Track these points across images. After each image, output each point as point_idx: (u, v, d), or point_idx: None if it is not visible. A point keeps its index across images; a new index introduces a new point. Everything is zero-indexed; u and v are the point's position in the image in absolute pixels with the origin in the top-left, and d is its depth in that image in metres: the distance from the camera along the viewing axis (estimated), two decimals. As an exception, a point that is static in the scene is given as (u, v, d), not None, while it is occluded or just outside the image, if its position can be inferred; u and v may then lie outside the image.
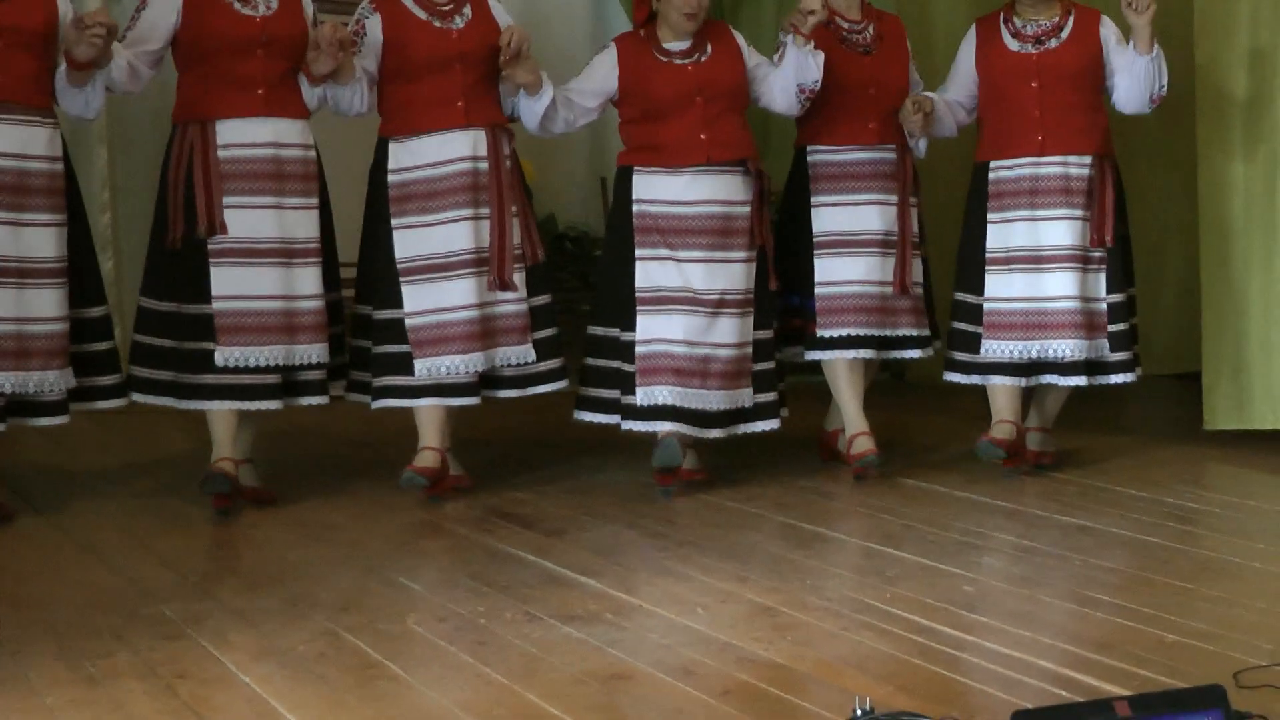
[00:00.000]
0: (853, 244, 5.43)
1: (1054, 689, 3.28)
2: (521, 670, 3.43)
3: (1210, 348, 5.83)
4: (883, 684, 3.32)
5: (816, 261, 5.45)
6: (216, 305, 4.85)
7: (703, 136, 5.19)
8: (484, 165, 5.05)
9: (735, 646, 3.58)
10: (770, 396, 5.32)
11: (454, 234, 5.04)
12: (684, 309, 5.16)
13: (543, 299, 5.19)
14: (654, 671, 3.42)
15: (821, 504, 5.18)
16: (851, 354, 5.46)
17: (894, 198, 5.44)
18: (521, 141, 5.28)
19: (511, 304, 5.11)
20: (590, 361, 5.33)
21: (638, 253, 5.20)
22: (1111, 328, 5.44)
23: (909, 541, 4.58)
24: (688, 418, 5.18)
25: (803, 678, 3.38)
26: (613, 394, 5.26)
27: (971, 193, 5.59)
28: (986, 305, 5.49)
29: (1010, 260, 5.45)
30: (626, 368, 5.22)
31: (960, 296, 5.62)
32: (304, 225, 4.94)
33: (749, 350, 5.24)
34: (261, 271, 4.87)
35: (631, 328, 5.21)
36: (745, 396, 5.25)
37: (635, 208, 5.21)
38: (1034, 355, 5.45)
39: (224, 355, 4.85)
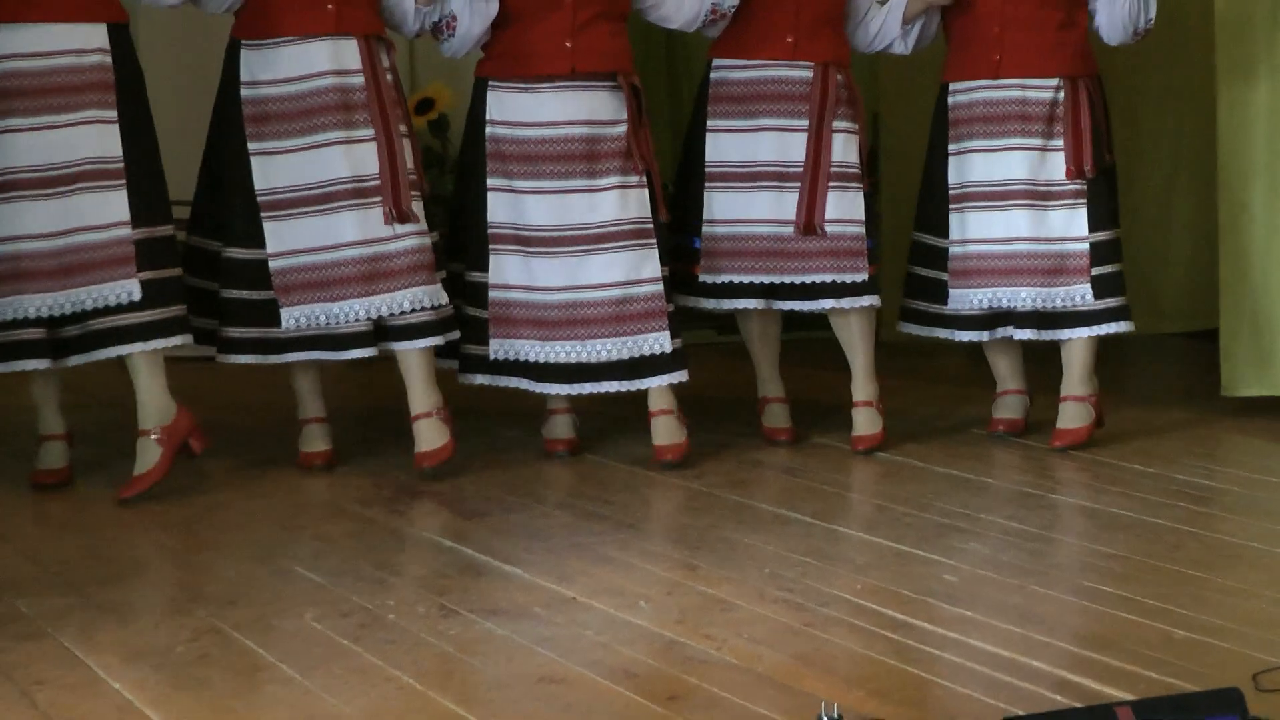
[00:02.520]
0: (742, 176, 5.41)
1: (1048, 693, 3.30)
2: (436, 673, 3.43)
3: (1229, 302, 5.85)
4: (852, 688, 3.34)
5: (706, 195, 5.43)
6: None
7: (568, 44, 5.16)
8: (355, 80, 5.00)
9: (683, 645, 3.59)
10: (678, 343, 5.29)
11: (325, 160, 4.98)
12: (543, 251, 5.16)
13: (433, 236, 5.17)
14: (589, 674, 3.42)
15: (782, 481, 5.19)
16: (728, 304, 5.46)
17: (800, 123, 5.39)
18: (437, 63, 5.25)
19: (411, 238, 5.06)
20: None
21: (489, 182, 5.20)
22: (1095, 270, 5.46)
23: (882, 524, 4.59)
24: (552, 373, 5.20)
25: (760, 680, 3.40)
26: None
27: (934, 119, 5.61)
28: (951, 249, 5.52)
29: (965, 197, 5.48)
30: (471, 311, 5.23)
31: (919, 237, 5.64)
32: (91, 142, 4.77)
33: (651, 289, 5.22)
34: (23, 207, 4.72)
35: (478, 266, 5.22)
36: (652, 342, 5.23)
37: (489, 129, 5.21)
38: (988, 304, 5.49)
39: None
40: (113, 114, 4.81)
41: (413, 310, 5.06)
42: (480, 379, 5.27)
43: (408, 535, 4.48)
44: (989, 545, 4.40)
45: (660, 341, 5.22)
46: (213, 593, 3.95)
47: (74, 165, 4.75)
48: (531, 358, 5.21)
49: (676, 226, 5.52)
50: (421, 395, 5.08)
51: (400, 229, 5.03)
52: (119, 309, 4.81)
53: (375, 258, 5.02)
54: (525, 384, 5.25)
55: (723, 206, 5.42)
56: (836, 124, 5.37)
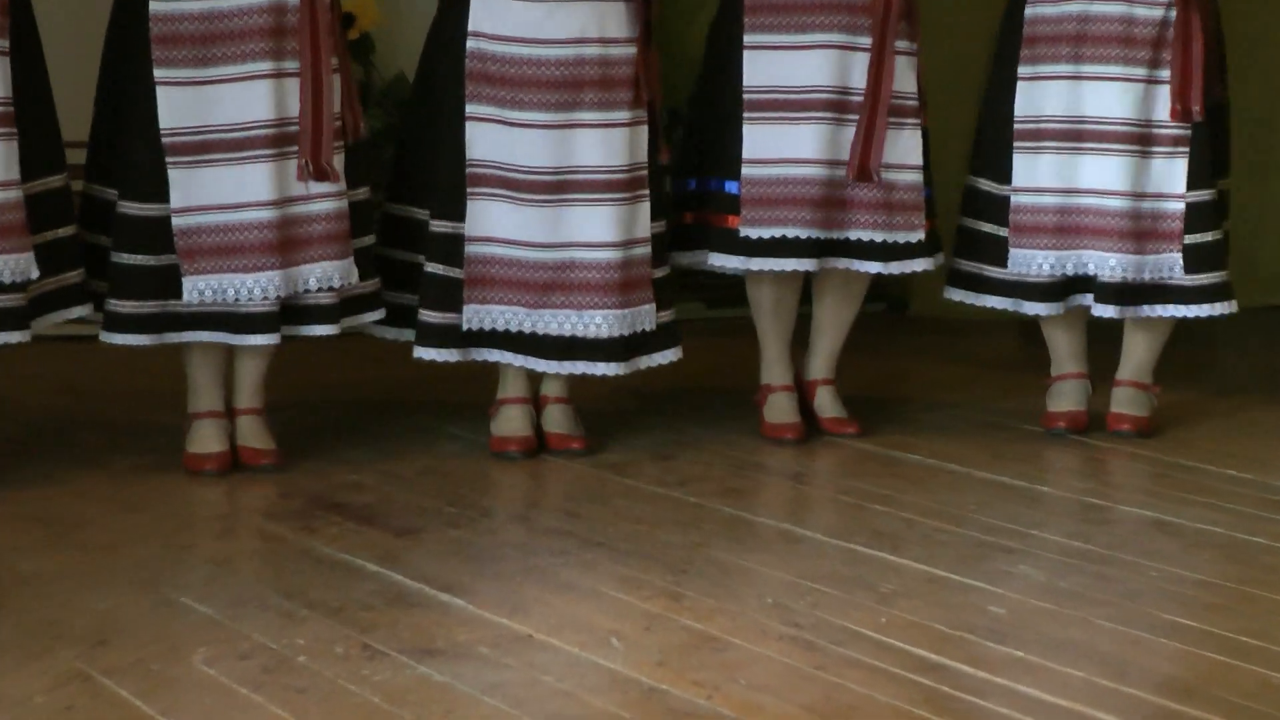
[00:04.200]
0: (792, 105, 5.40)
1: (1117, 752, 3.32)
2: (358, 729, 3.43)
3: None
4: (875, 746, 3.35)
5: (745, 129, 5.43)
6: None
7: None
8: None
9: (664, 692, 3.59)
10: (668, 315, 5.35)
11: (247, 98, 4.99)
12: (535, 197, 5.17)
13: (363, 193, 5.19)
14: (548, 729, 3.43)
15: (787, 489, 5.20)
16: (777, 265, 5.45)
17: (862, 40, 5.40)
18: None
19: (328, 200, 5.07)
20: (386, 253, 5.36)
21: (469, 109, 5.20)
22: (1190, 238, 5.46)
23: (912, 543, 4.60)
24: (539, 347, 5.23)
25: (761, 737, 3.40)
26: (410, 299, 5.31)
27: (1001, 34, 5.60)
28: (1014, 198, 5.51)
29: (1040, 134, 5.47)
30: (432, 267, 5.24)
31: (976, 183, 5.63)
32: None
33: (644, 250, 5.27)
34: None
35: (448, 214, 5.23)
36: (645, 316, 5.28)
37: (471, 43, 5.20)
38: (1067, 270, 5.48)
39: None
40: (6, 44, 4.83)
41: (319, 289, 5.07)
42: (444, 354, 5.26)
43: (323, 557, 4.48)
44: (1044, 569, 4.41)
45: (651, 315, 5.27)
46: (79, 629, 3.93)
47: None
48: (514, 328, 5.21)
49: (696, 167, 5.52)
50: (258, 391, 5.22)
51: (316, 187, 5.03)
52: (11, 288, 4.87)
53: (289, 221, 5.02)
54: (507, 357, 5.24)
55: (768, 142, 5.40)
56: (897, 43, 5.38)
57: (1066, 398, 5.68)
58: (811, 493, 5.16)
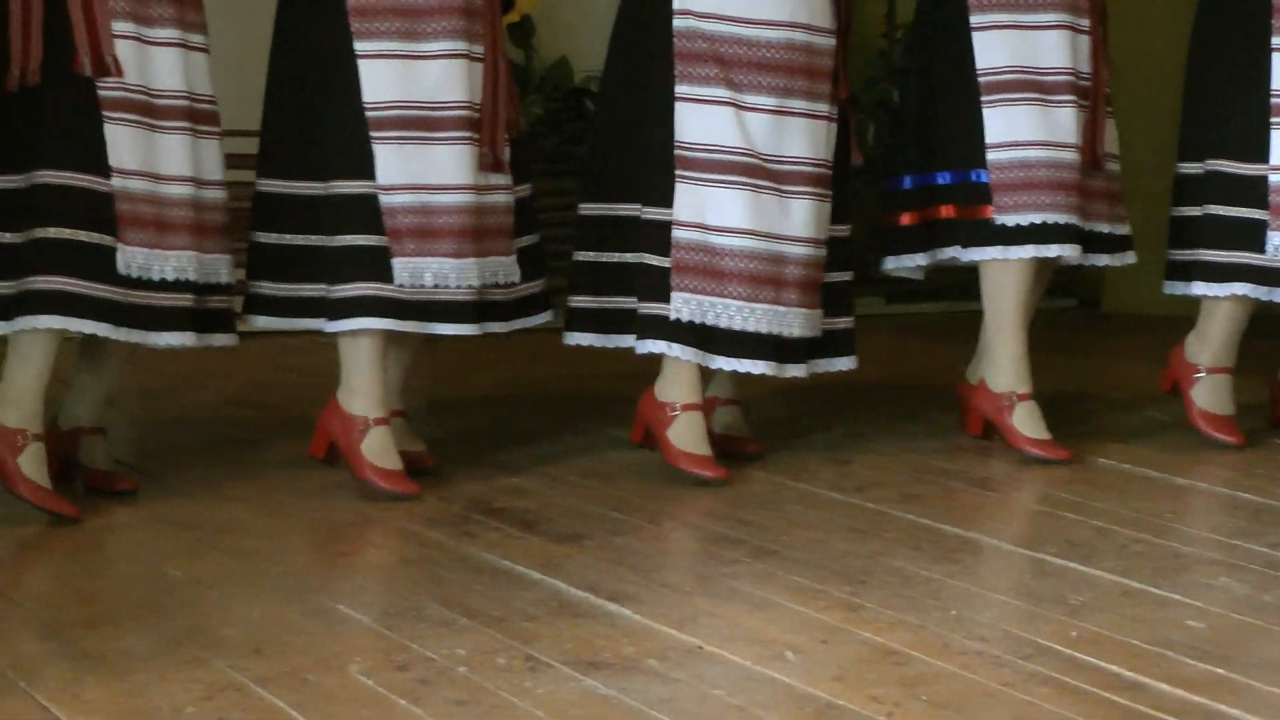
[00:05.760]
0: (1045, 86, 5.42)
1: (1326, 775, 3.30)
2: (522, 744, 3.46)
3: None
4: (1067, 767, 3.35)
5: (986, 113, 5.45)
6: (118, 182, 4.81)
7: None
8: None
9: (842, 708, 3.60)
10: (848, 321, 5.40)
11: (447, 76, 5.05)
12: (751, 182, 5.19)
13: (525, 190, 5.24)
14: (721, 746, 3.45)
15: (971, 495, 5.19)
16: (1052, 249, 5.42)
17: (1080, 21, 5.44)
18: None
19: (502, 193, 5.15)
20: (585, 257, 5.39)
21: (680, 89, 5.22)
22: None
23: (1105, 553, 4.59)
24: (761, 348, 5.23)
25: (946, 757, 3.41)
26: (626, 303, 5.32)
27: (1223, 13, 5.57)
28: (1275, 178, 5.46)
29: None
30: (652, 260, 5.27)
31: (1217, 166, 5.58)
32: (202, 74, 4.96)
33: (824, 253, 5.30)
34: (167, 140, 4.87)
35: (660, 201, 5.25)
36: (819, 320, 5.32)
37: (679, 22, 5.23)
38: None
39: (127, 258, 4.83)
40: (205, 40, 4.97)
41: (492, 285, 5.12)
42: (659, 346, 5.24)
43: (483, 565, 4.51)
44: (1247, 582, 4.38)
45: (818, 319, 5.31)
46: (231, 638, 3.98)
47: (200, 99, 4.96)
48: (724, 322, 5.20)
49: (915, 163, 5.54)
50: (399, 392, 5.33)
51: (494, 178, 5.09)
52: (223, 288, 5.05)
53: (483, 209, 5.08)
54: (720, 361, 5.23)
55: (1018, 124, 5.43)
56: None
57: (1226, 397, 5.61)
58: (997, 499, 5.15)
